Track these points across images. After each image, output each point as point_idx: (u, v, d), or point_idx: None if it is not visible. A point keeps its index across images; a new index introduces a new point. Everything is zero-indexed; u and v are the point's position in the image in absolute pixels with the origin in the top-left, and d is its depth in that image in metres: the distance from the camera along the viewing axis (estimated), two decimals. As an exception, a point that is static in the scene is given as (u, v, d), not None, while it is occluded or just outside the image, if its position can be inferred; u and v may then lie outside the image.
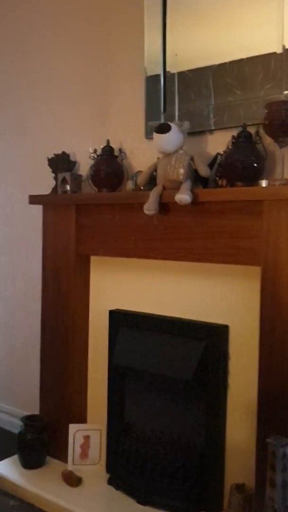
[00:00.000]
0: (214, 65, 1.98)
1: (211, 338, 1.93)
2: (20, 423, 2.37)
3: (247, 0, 1.88)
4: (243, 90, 1.91)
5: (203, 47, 2.01)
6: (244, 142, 1.82)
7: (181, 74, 2.08)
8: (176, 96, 2.08)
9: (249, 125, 1.85)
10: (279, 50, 1.82)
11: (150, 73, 2.18)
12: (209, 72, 2.00)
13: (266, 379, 1.74)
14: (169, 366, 1.99)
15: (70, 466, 2.26)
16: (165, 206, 1.94)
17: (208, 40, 2.00)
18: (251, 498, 1.83)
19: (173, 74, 2.10)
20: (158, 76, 2.15)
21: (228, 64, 1.94)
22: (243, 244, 1.79)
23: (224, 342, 1.92)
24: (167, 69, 2.13)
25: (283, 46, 1.81)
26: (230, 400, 1.94)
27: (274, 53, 1.83)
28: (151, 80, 2.17)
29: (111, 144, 2.22)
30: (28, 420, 2.35)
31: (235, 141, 1.84)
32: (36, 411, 2.51)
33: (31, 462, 2.30)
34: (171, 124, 1.89)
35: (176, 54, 2.09)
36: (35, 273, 2.68)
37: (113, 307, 2.27)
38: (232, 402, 1.93)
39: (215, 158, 1.93)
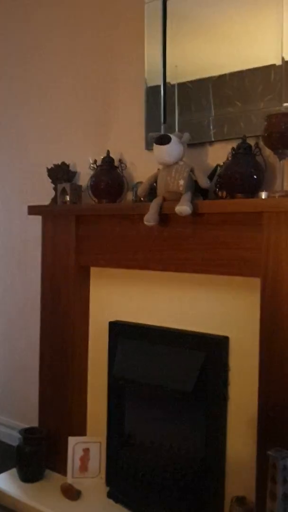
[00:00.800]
0: (214, 76, 1.99)
1: (211, 350, 1.92)
2: (19, 435, 2.35)
3: (247, 12, 1.90)
4: (243, 102, 1.92)
5: (203, 58, 2.03)
6: (243, 153, 1.82)
7: (181, 85, 2.09)
8: (176, 107, 2.09)
9: (248, 137, 1.86)
10: (278, 62, 1.83)
11: (150, 84, 2.19)
12: (209, 83, 2.01)
13: (266, 391, 1.73)
14: (169, 378, 1.98)
15: (69, 479, 2.24)
16: (165, 217, 1.94)
17: (208, 52, 2.01)
18: (251, 511, 1.82)
19: (173, 85, 2.11)
20: (158, 87, 2.16)
21: (228, 76, 1.96)
22: (243, 256, 1.79)
23: (224, 353, 1.91)
24: (167, 80, 2.14)
25: (283, 58, 1.82)
26: (230, 411, 1.93)
27: (274, 65, 1.84)
28: (151, 91, 2.18)
29: (111, 155, 2.23)
30: (27, 432, 2.33)
31: (235, 152, 1.84)
32: (35, 423, 2.49)
33: (29, 475, 2.27)
34: (171, 135, 1.89)
35: (176, 66, 2.10)
36: (34, 284, 2.67)
37: (113, 318, 2.27)
38: (232, 414, 1.92)
39: (215, 169, 1.94)
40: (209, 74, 2.00)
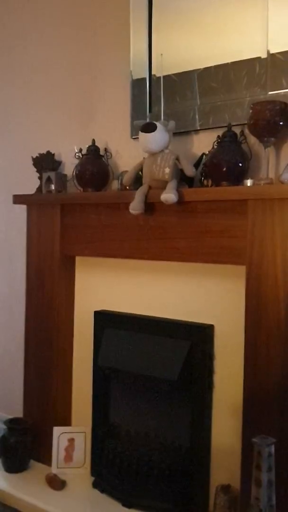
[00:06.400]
0: (200, 69, 1.99)
1: (196, 338, 1.92)
2: (3, 426, 2.33)
3: (232, 5, 1.90)
4: (228, 94, 1.91)
5: (189, 51, 2.02)
6: (229, 142, 1.83)
7: (166, 77, 2.08)
8: (162, 98, 2.08)
9: (234, 125, 1.86)
10: (263, 55, 1.83)
11: (136, 76, 2.18)
12: (194, 75, 2.00)
13: (251, 379, 1.74)
14: (154, 367, 1.98)
15: (54, 470, 2.23)
16: (150, 206, 1.93)
17: (194, 44, 2.00)
18: (236, 499, 1.83)
19: (159, 77, 2.10)
20: (144, 79, 2.15)
21: (213, 68, 1.95)
22: (228, 244, 1.79)
23: (209, 342, 1.92)
24: (153, 72, 2.13)
25: (268, 51, 1.82)
26: (215, 400, 1.93)
27: (259, 58, 1.84)
28: (137, 83, 2.17)
29: (97, 144, 2.21)
30: (12, 423, 2.31)
31: (220, 141, 1.84)
32: (19, 414, 2.47)
33: (14, 466, 2.26)
34: (156, 123, 1.89)
35: (161, 54, 2.09)
36: (19, 274, 2.65)
37: (98, 308, 2.26)
38: (218, 402, 1.93)
39: (201, 158, 1.94)
40: (195, 66, 2.00)
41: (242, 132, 1.84)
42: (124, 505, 2.00)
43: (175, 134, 1.98)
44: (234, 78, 1.90)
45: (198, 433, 1.93)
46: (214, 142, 1.87)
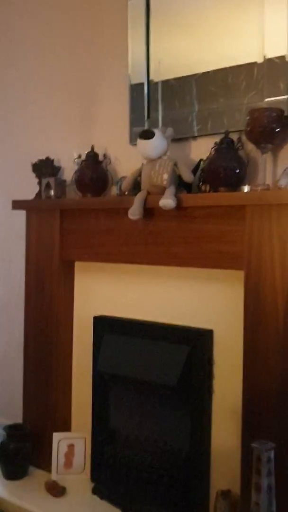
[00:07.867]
0: (198, 73, 2.00)
1: (196, 343, 1.93)
2: (3, 432, 2.33)
3: (229, 11, 1.92)
4: (226, 98, 1.93)
5: (187, 56, 2.04)
6: (226, 148, 1.84)
7: (164, 82, 2.10)
8: (160, 103, 2.10)
9: (231, 132, 1.87)
10: (260, 60, 1.85)
11: (134, 81, 2.19)
12: (192, 80, 2.02)
13: (250, 384, 1.74)
14: (154, 372, 1.98)
15: (54, 476, 2.23)
16: (149, 211, 1.94)
17: (192, 49, 2.02)
18: (236, 504, 1.82)
19: (157, 82, 2.12)
20: (142, 84, 2.16)
21: (211, 73, 1.97)
22: (226, 249, 1.80)
23: (208, 346, 1.92)
24: (151, 77, 2.14)
25: (264, 56, 1.83)
26: (215, 405, 1.93)
27: (256, 63, 1.86)
28: (135, 88, 2.19)
29: (96, 150, 2.23)
30: (11, 429, 2.31)
31: (218, 147, 1.86)
32: (19, 420, 2.47)
33: (13, 472, 2.26)
34: (154, 130, 1.91)
35: (159, 61, 2.11)
36: (18, 279, 2.65)
37: (98, 313, 2.26)
38: (217, 407, 1.93)
39: (198, 164, 1.95)
40: (193, 71, 2.01)
41: (240, 139, 1.86)
42: (124, 511, 2.00)
43: (174, 140, 2.00)
44: (232, 83, 1.91)
45: (197, 438, 1.93)
46: (211, 149, 1.89)
